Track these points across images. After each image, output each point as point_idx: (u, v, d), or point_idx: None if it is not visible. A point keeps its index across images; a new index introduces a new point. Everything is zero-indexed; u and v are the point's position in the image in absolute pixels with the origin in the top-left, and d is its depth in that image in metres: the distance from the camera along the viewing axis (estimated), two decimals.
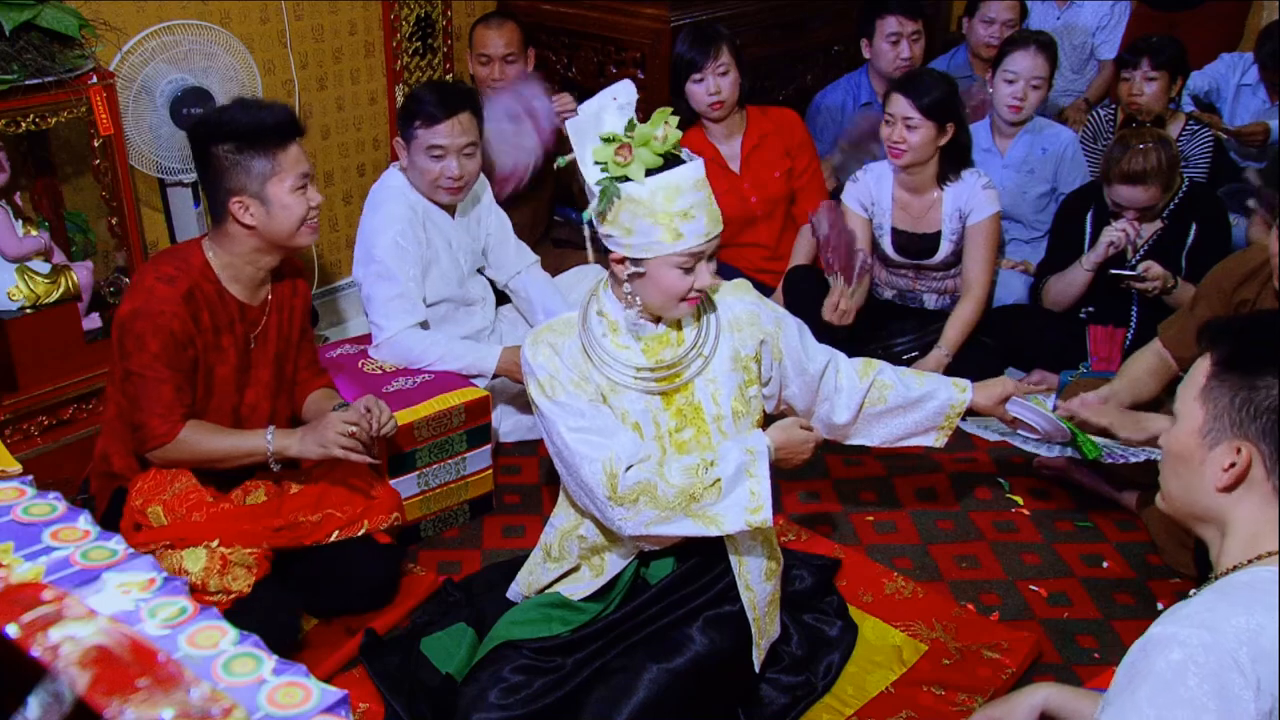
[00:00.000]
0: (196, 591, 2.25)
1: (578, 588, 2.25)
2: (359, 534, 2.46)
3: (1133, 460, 2.58)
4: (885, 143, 3.37)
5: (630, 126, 1.97)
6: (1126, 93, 3.84)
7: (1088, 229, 3.45)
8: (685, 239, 1.96)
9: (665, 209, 1.94)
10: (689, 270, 2.01)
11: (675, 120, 1.98)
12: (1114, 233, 3.29)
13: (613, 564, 2.22)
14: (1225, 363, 1.50)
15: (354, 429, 2.31)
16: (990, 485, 3.14)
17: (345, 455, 2.32)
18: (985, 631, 2.52)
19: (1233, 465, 1.47)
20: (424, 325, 2.96)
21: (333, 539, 2.43)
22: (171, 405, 2.30)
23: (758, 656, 2.22)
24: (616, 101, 1.98)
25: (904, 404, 2.39)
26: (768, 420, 2.24)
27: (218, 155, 2.28)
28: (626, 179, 1.94)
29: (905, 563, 2.81)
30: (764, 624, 2.24)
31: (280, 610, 2.32)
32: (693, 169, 1.97)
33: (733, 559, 2.19)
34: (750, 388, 2.19)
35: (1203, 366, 1.53)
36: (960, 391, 2.43)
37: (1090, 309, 3.49)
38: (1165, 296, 3.27)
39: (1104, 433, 2.56)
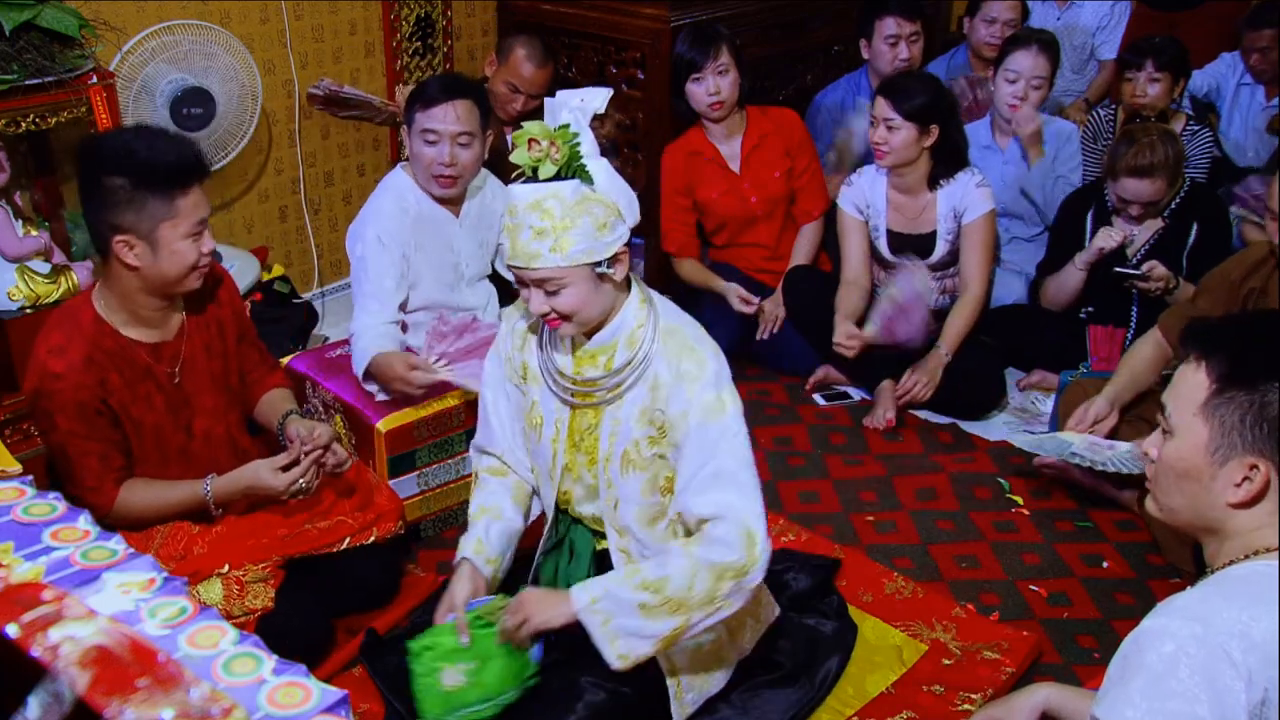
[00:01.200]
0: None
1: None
2: (369, 541, 2.44)
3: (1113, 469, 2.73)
4: (871, 144, 3.39)
5: (559, 129, 1.87)
6: (1129, 93, 3.83)
7: (1088, 228, 3.45)
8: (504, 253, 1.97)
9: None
10: (521, 284, 1.97)
11: (567, 143, 1.86)
12: (1107, 239, 3.30)
13: (546, 507, 2.22)
14: (1227, 377, 1.47)
15: (293, 476, 2.24)
16: (990, 485, 3.14)
17: (298, 499, 2.30)
18: (985, 631, 2.52)
19: (1245, 480, 1.46)
20: (402, 325, 2.94)
21: (344, 546, 2.39)
22: (100, 475, 2.21)
23: (679, 711, 2.10)
24: (582, 103, 1.90)
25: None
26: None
27: (109, 186, 2.10)
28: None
29: (905, 562, 2.81)
30: (687, 680, 2.11)
31: (307, 615, 2.32)
32: (520, 191, 1.89)
33: None
34: (654, 446, 2.01)
35: (1195, 379, 1.50)
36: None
37: (1090, 309, 3.49)
38: (1166, 297, 3.27)
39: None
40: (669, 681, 2.10)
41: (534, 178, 1.89)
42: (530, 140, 1.87)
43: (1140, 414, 2.88)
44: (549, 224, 1.87)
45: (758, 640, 2.24)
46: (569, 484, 2.13)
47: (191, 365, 2.34)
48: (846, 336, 3.36)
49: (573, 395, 2.05)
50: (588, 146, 1.89)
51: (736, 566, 1.89)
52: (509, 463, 2.24)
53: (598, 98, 1.92)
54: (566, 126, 1.87)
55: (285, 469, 2.25)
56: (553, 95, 3.36)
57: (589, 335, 2.03)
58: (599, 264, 1.91)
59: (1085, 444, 2.82)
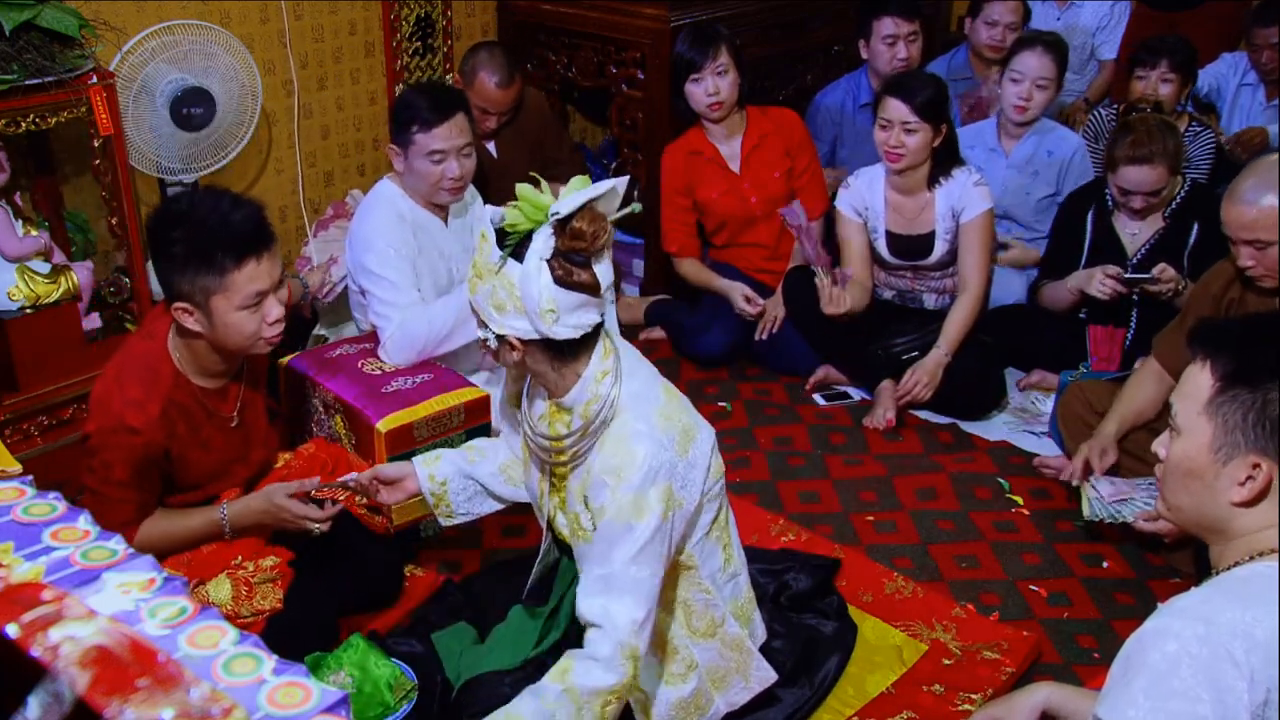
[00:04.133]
0: (229, 619, 2.22)
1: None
2: (341, 497, 2.46)
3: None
4: (881, 148, 3.36)
5: (538, 209, 1.81)
6: (1139, 91, 3.82)
7: (1088, 229, 3.45)
8: None
9: None
10: None
11: (530, 220, 1.82)
12: (1099, 289, 3.29)
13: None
14: (1232, 376, 1.48)
15: (311, 514, 2.23)
16: (990, 485, 3.14)
17: (300, 524, 2.26)
18: (985, 631, 2.52)
19: (1249, 479, 1.46)
20: None
21: (313, 493, 2.41)
22: (128, 523, 2.19)
23: None
24: (615, 188, 1.82)
25: None
26: None
27: (166, 250, 2.09)
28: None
29: (905, 562, 2.81)
30: None
31: (313, 614, 2.33)
32: (489, 213, 1.89)
33: None
34: (592, 524, 1.96)
35: (1200, 378, 1.51)
36: None
37: (1089, 309, 3.49)
38: (1176, 299, 3.25)
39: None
40: None
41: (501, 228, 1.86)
42: (516, 206, 1.83)
43: (1128, 449, 2.86)
44: (480, 258, 1.88)
45: (750, 700, 2.19)
46: (557, 520, 2.11)
47: (251, 403, 2.37)
48: (829, 300, 3.38)
49: (539, 450, 2.03)
50: (540, 244, 1.82)
51: (619, 689, 1.86)
52: (518, 453, 2.24)
53: (616, 185, 1.82)
54: (546, 208, 1.81)
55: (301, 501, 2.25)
56: (519, 104, 3.34)
57: (558, 396, 1.97)
58: (484, 326, 1.91)
59: (1108, 494, 2.79)
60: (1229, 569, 1.49)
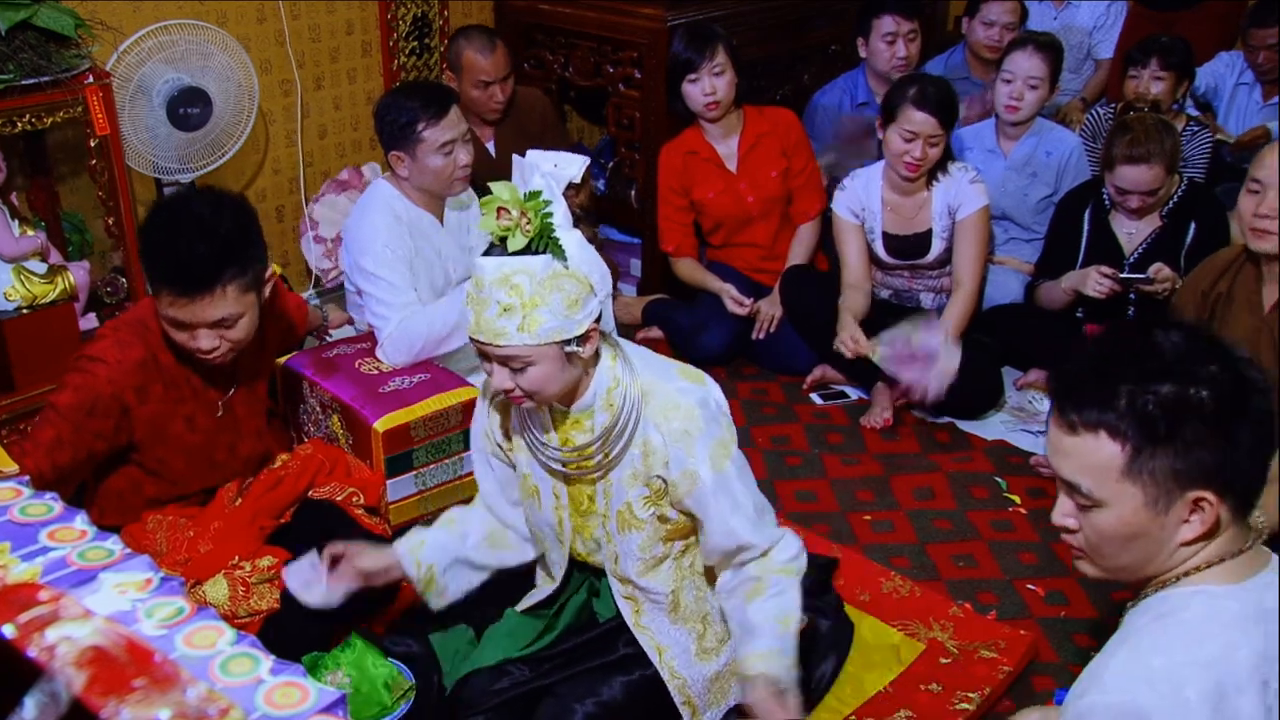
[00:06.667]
0: (226, 620, 2.23)
1: (535, 595, 2.23)
2: (359, 505, 2.50)
3: None
4: (900, 158, 3.33)
5: (530, 197, 1.75)
6: (1132, 90, 3.82)
7: (1085, 227, 3.45)
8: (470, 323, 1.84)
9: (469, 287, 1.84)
10: (484, 358, 1.85)
11: (539, 214, 1.75)
12: (1095, 288, 3.29)
13: (556, 565, 2.16)
14: (1139, 435, 1.39)
15: None
16: (987, 484, 3.14)
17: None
18: (982, 630, 2.52)
19: (1194, 514, 1.41)
20: None
21: (309, 492, 2.45)
22: (42, 445, 2.14)
23: None
24: (555, 169, 1.79)
25: (742, 624, 2.01)
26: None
27: (142, 253, 2.15)
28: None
29: (903, 562, 2.81)
30: (703, 700, 2.10)
31: (310, 615, 2.31)
32: (488, 264, 1.77)
33: (642, 641, 2.08)
34: (650, 507, 1.97)
35: (1100, 447, 1.41)
36: (757, 659, 1.96)
37: (1086, 308, 3.49)
38: (1173, 299, 3.25)
39: None
40: (684, 713, 2.09)
41: (501, 248, 1.78)
42: (500, 209, 1.75)
43: None
44: (517, 300, 1.75)
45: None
46: (580, 544, 2.10)
47: (244, 397, 2.39)
48: (851, 339, 3.31)
49: (565, 466, 1.99)
50: (560, 217, 1.77)
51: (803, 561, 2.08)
52: (498, 516, 2.23)
53: (573, 165, 1.81)
54: (538, 194, 1.75)
55: None
56: (514, 71, 3.22)
57: (568, 403, 1.93)
58: (568, 342, 1.80)
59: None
60: (1150, 595, 1.50)
